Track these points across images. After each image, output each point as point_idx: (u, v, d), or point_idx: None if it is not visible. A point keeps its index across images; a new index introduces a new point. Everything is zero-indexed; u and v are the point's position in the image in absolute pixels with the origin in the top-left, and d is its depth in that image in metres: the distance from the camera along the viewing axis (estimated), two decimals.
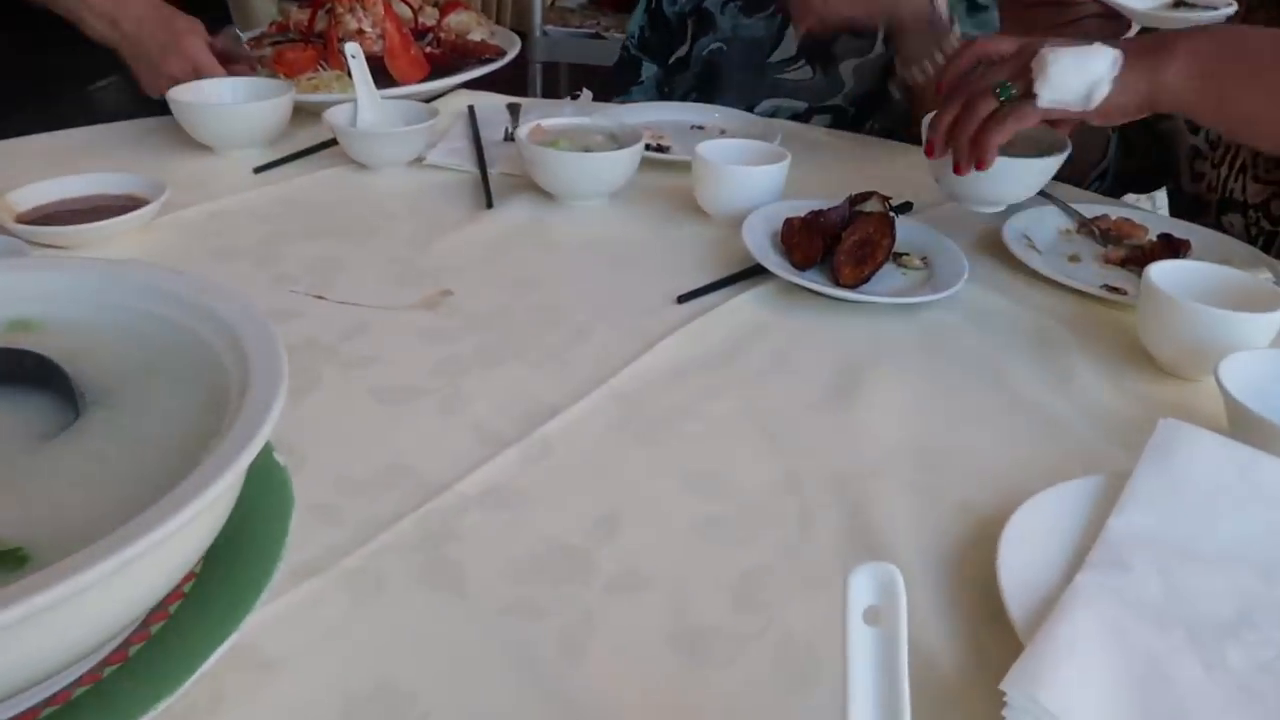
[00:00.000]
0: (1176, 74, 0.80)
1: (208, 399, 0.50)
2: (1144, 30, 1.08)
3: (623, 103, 1.43)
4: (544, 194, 1.05)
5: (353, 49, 1.15)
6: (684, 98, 1.49)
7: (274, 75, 1.26)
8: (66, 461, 0.47)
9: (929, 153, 0.91)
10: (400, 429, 0.67)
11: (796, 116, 1.43)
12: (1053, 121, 0.89)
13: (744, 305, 0.85)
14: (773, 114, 1.43)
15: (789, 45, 1.41)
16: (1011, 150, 0.91)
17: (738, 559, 0.56)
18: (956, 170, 0.88)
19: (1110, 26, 0.99)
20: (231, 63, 1.21)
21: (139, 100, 1.21)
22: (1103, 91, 0.80)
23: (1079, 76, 0.80)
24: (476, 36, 1.46)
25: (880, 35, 1.37)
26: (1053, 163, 0.96)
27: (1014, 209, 1.00)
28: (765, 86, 1.43)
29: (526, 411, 0.68)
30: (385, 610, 0.52)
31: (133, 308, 0.56)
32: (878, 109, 1.41)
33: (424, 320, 0.81)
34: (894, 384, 0.74)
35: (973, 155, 0.86)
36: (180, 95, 1.10)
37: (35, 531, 0.43)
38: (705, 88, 1.48)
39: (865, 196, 0.94)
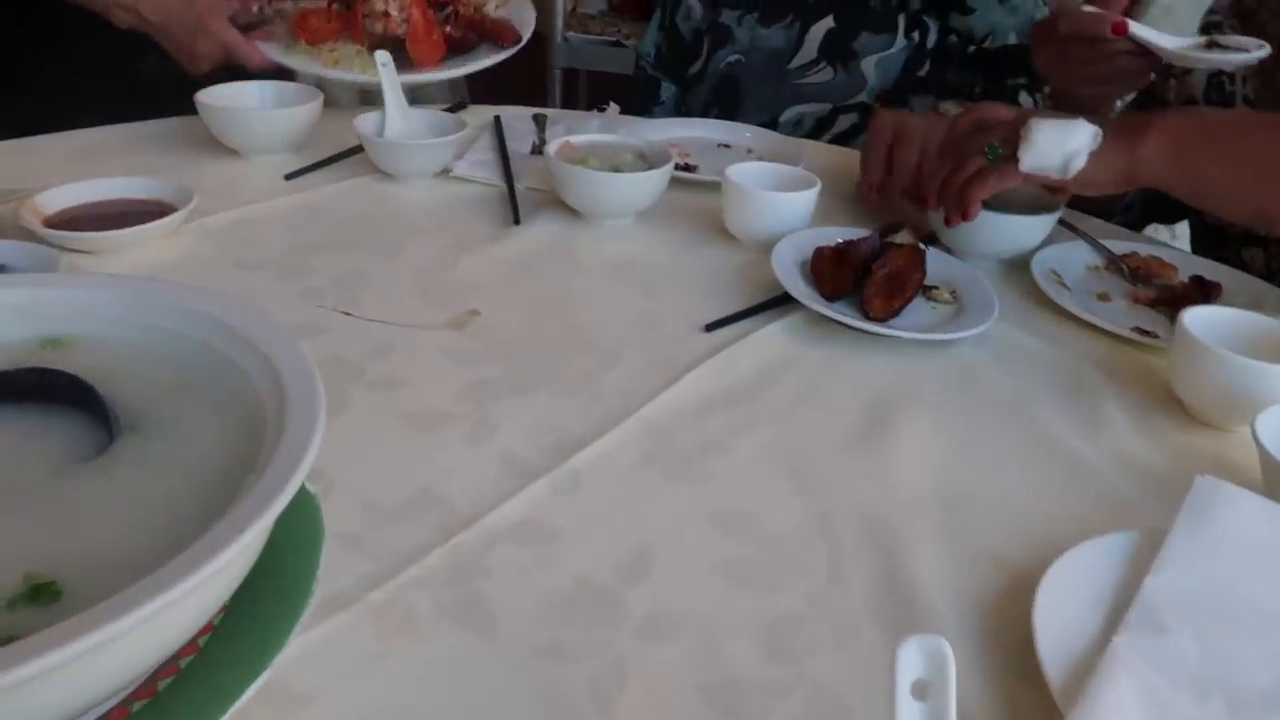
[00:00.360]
0: (1151, 151, 0.84)
1: (243, 428, 0.50)
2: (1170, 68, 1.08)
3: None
4: (570, 210, 1.04)
5: (383, 57, 1.14)
6: (703, 112, 1.48)
7: (293, 36, 1.25)
8: (100, 490, 0.47)
9: (926, 203, 0.97)
10: (428, 456, 0.66)
11: (822, 119, 1.42)
12: (1054, 189, 0.93)
13: (772, 336, 0.84)
14: (797, 121, 1.43)
15: (809, 49, 1.40)
16: (1012, 211, 0.96)
17: (768, 605, 0.56)
18: (946, 222, 0.93)
19: (1141, 64, 0.99)
20: (256, 29, 1.22)
21: (185, 74, 1.21)
22: (1079, 163, 0.84)
23: (1058, 147, 0.84)
24: (491, 7, 1.45)
25: (901, 28, 1.36)
26: (1040, 222, 0.98)
27: (1042, 244, 0.99)
28: (786, 95, 1.43)
29: (555, 441, 0.68)
30: (414, 648, 0.51)
31: (165, 328, 0.56)
32: (903, 104, 1.40)
33: (451, 341, 0.80)
34: (923, 423, 0.74)
35: (958, 208, 0.91)
36: (208, 99, 1.10)
37: (68, 564, 0.43)
38: (724, 101, 1.47)
39: (896, 227, 0.93)
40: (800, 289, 0.87)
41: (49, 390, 0.52)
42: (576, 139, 1.08)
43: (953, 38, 1.38)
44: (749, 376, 0.79)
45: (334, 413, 0.69)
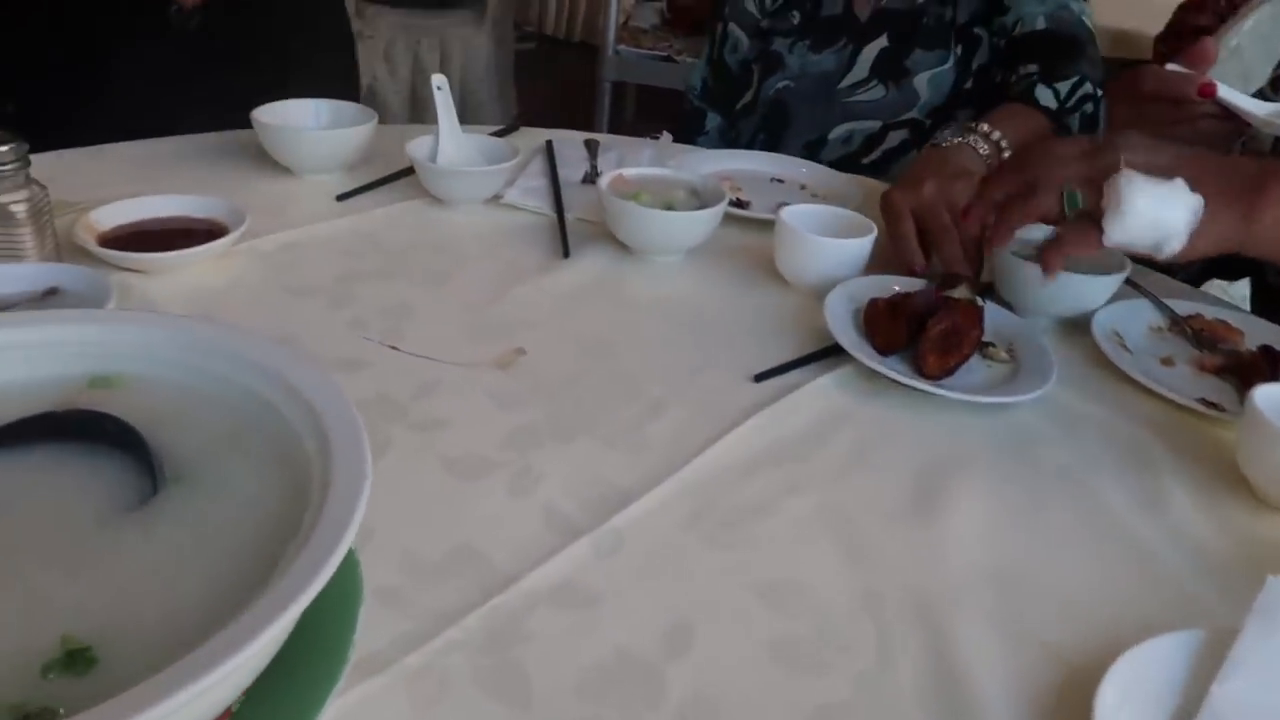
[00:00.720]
0: (1276, 220, 0.74)
1: (286, 485, 0.49)
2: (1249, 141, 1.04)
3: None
4: (620, 244, 1.03)
5: (439, 80, 1.14)
6: (751, 138, 1.47)
7: None
8: (139, 546, 0.46)
9: (964, 214, 0.92)
10: (470, 506, 0.65)
11: (871, 136, 1.40)
12: None
13: (822, 389, 0.82)
14: (846, 138, 1.41)
15: (861, 70, 1.38)
16: (1076, 267, 0.92)
17: (813, 690, 0.54)
18: (987, 245, 0.89)
19: (1226, 127, 0.95)
20: None
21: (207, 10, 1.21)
22: (1175, 245, 0.74)
23: (1152, 224, 0.73)
24: None
25: (954, 47, 1.34)
26: (1106, 282, 0.95)
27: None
28: (836, 113, 1.41)
29: (599, 496, 0.66)
30: (447, 719, 0.50)
31: (215, 373, 0.55)
32: (950, 119, 1.38)
33: (496, 381, 0.79)
34: (977, 494, 0.71)
35: (1001, 239, 0.84)
36: (264, 117, 1.10)
37: (105, 627, 0.42)
38: (771, 125, 1.46)
39: (954, 281, 0.91)
40: (852, 340, 0.85)
41: (96, 433, 0.52)
42: (629, 172, 1.07)
43: (995, 39, 1.36)
44: (799, 432, 0.77)
45: (376, 455, 0.67)
